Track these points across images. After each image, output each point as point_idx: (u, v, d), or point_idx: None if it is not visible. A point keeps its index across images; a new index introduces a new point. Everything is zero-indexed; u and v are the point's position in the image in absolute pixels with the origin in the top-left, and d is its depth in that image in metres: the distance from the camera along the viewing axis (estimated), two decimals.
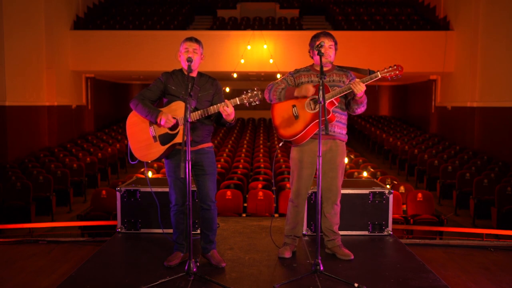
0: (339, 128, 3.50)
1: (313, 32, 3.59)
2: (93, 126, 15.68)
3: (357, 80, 3.30)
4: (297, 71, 3.61)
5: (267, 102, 3.60)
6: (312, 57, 3.57)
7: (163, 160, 3.45)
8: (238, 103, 3.20)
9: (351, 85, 3.29)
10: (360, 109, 3.50)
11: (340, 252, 3.57)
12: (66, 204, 8.75)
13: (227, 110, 3.18)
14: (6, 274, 3.90)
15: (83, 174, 9.74)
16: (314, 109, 3.38)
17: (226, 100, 3.20)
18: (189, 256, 3.04)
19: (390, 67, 3.32)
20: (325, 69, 3.42)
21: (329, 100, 3.30)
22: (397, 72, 3.31)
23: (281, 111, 3.51)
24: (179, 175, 3.27)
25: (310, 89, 3.36)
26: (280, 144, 3.69)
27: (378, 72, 3.30)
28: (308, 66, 3.60)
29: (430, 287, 3.02)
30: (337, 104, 3.42)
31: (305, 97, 3.41)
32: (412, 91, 17.96)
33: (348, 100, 3.51)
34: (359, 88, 3.27)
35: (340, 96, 3.41)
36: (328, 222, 3.59)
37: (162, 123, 3.23)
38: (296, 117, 3.42)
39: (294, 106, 3.44)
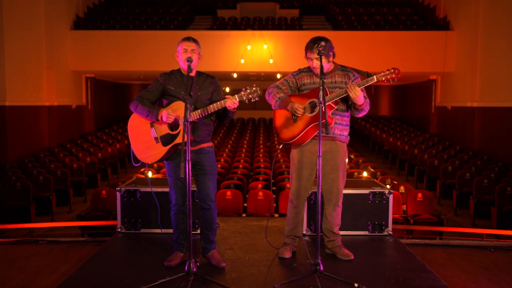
0: (340, 130, 3.49)
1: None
2: (93, 126, 15.68)
3: (353, 84, 3.29)
4: (299, 71, 3.60)
5: (267, 101, 3.60)
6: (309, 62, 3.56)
7: None
8: (238, 100, 3.20)
9: (347, 89, 3.28)
10: (361, 114, 3.48)
11: (340, 252, 3.57)
12: (66, 204, 8.75)
13: (235, 105, 3.20)
14: (6, 274, 3.91)
15: (83, 174, 9.74)
16: (312, 112, 3.39)
17: (229, 96, 3.20)
18: (189, 256, 3.04)
19: (388, 70, 3.30)
20: (326, 70, 3.42)
21: (326, 104, 3.30)
22: (394, 75, 3.28)
23: (281, 115, 3.54)
24: (179, 175, 3.27)
25: (299, 109, 3.37)
26: (280, 147, 3.70)
27: (375, 76, 3.29)
28: (309, 66, 3.60)
29: (430, 287, 3.02)
30: (335, 107, 3.42)
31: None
32: (412, 91, 17.97)
33: (350, 104, 3.49)
34: (355, 92, 3.24)
35: (341, 99, 3.41)
36: (329, 224, 3.59)
37: (164, 119, 3.23)
38: (295, 120, 3.44)
39: None
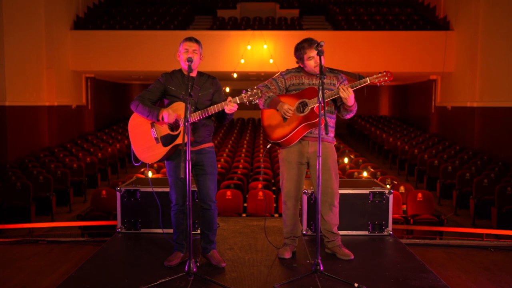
0: (328, 131, 3.51)
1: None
2: (93, 126, 15.68)
3: (345, 86, 3.32)
4: (288, 71, 3.63)
5: None
6: (299, 65, 3.58)
7: None
8: (238, 102, 3.20)
9: (339, 90, 3.32)
10: (349, 115, 3.54)
11: (340, 252, 3.57)
12: (66, 204, 8.75)
13: (234, 109, 3.21)
14: (6, 274, 3.91)
15: (83, 174, 9.74)
16: (303, 112, 3.39)
17: (229, 97, 3.20)
18: (189, 256, 3.04)
19: (380, 73, 3.36)
20: (313, 72, 3.47)
21: (316, 105, 3.31)
22: (386, 78, 3.35)
23: (270, 114, 3.54)
24: (179, 175, 3.27)
25: (290, 110, 3.37)
26: (268, 146, 3.68)
27: (367, 78, 3.34)
28: (298, 67, 3.62)
29: (430, 287, 3.02)
30: (326, 108, 3.44)
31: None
32: (412, 91, 17.97)
33: (339, 105, 3.53)
34: (347, 93, 3.29)
35: (329, 100, 3.43)
36: (327, 224, 3.59)
37: (165, 119, 3.23)
38: (285, 119, 3.45)
39: None
